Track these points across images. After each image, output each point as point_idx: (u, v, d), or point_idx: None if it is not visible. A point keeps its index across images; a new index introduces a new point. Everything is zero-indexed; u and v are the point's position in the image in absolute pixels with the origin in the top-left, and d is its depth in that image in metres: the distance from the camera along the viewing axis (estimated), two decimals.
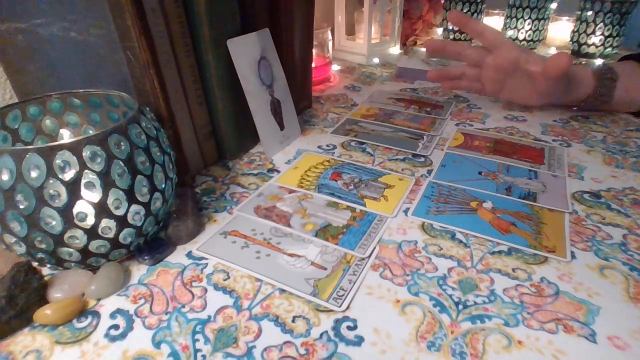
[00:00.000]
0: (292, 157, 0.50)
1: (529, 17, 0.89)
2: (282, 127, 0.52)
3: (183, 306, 0.30)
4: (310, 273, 0.32)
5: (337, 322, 0.29)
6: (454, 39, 1.01)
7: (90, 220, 0.28)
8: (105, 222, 0.29)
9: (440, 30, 1.05)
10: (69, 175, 0.27)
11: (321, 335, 0.28)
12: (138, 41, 0.35)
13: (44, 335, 0.28)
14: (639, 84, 0.57)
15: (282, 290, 0.31)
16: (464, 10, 0.96)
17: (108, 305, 0.30)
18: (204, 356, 0.26)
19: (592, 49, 0.85)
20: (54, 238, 0.28)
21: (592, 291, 0.31)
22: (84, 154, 0.27)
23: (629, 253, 0.35)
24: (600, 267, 0.33)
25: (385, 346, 0.27)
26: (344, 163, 0.48)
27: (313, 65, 0.63)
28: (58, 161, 0.26)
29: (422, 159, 0.50)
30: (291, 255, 0.34)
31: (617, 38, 0.83)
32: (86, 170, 0.27)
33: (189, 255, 0.35)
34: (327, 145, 0.53)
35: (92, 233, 0.29)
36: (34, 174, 0.26)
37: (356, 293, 0.31)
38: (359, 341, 0.27)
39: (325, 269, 0.33)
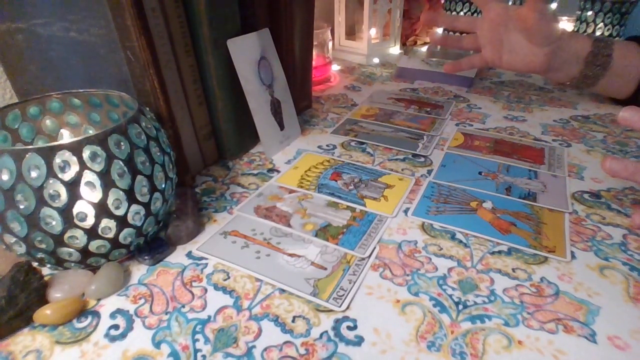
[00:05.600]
0: (292, 157, 0.50)
1: None
2: (282, 127, 0.52)
3: (183, 306, 0.30)
4: (310, 273, 0.32)
5: (337, 322, 0.29)
6: None
7: (90, 220, 0.28)
8: (105, 222, 0.29)
9: (440, 31, 1.05)
10: (69, 175, 0.27)
11: (321, 335, 0.28)
12: (138, 41, 0.35)
13: (44, 335, 0.28)
14: (633, 63, 0.55)
15: (282, 290, 0.31)
16: (464, 11, 0.96)
17: (108, 305, 0.30)
18: (204, 356, 0.26)
19: None
20: (54, 238, 0.28)
21: (592, 291, 0.31)
22: (84, 154, 0.27)
23: (629, 253, 0.35)
24: (600, 267, 0.33)
25: (385, 346, 0.27)
26: (344, 163, 0.48)
27: (313, 65, 0.63)
28: (58, 161, 0.26)
29: (422, 159, 0.50)
30: (291, 255, 0.34)
31: (617, 38, 0.83)
32: (86, 170, 0.27)
33: (189, 255, 0.35)
34: (327, 145, 0.53)
35: (92, 233, 0.29)
36: (34, 174, 0.26)
37: (356, 293, 0.31)
38: (359, 341, 0.27)
39: (325, 269, 0.33)
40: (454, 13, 0.98)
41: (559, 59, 0.57)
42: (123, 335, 0.28)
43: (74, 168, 0.27)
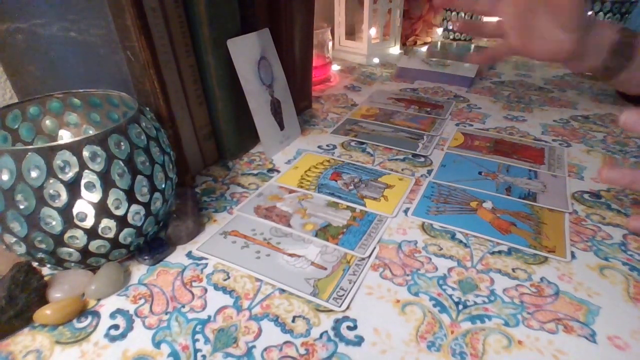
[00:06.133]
0: (292, 157, 0.50)
1: None
2: (282, 127, 0.52)
3: (183, 306, 0.30)
4: (310, 273, 0.32)
5: (337, 322, 0.29)
6: (454, 39, 1.02)
7: (90, 220, 0.28)
8: (105, 222, 0.29)
9: (440, 30, 1.05)
10: (69, 175, 0.27)
11: (321, 335, 0.28)
12: (138, 41, 0.35)
13: (44, 335, 0.28)
14: None
15: (282, 290, 0.31)
16: (465, 12, 0.96)
17: (108, 305, 0.30)
18: (204, 356, 0.26)
19: None
20: (54, 238, 0.28)
21: (592, 291, 0.31)
22: (84, 154, 0.27)
23: (629, 253, 0.35)
24: (600, 267, 0.33)
25: (385, 346, 0.27)
26: (344, 163, 0.48)
27: (313, 65, 0.63)
28: (58, 161, 0.26)
29: (422, 159, 0.50)
30: (291, 255, 0.34)
31: None
32: (86, 170, 0.27)
33: (189, 255, 0.35)
34: (327, 145, 0.53)
35: (92, 233, 0.29)
36: (34, 174, 0.26)
37: (356, 293, 0.31)
38: (359, 341, 0.27)
39: (325, 269, 0.33)
40: (453, 13, 0.98)
41: (584, 47, 0.54)
42: (123, 335, 0.28)
43: (74, 168, 0.27)
